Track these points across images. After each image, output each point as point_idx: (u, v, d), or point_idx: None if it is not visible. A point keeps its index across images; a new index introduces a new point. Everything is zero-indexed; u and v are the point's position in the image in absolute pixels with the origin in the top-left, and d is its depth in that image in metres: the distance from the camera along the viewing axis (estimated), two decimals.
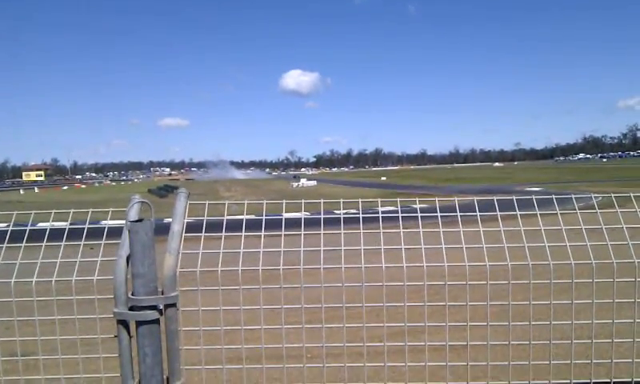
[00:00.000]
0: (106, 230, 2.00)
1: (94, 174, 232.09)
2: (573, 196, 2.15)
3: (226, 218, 1.99)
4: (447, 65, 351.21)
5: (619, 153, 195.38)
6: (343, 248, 1.95)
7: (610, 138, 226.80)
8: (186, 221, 1.87)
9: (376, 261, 1.96)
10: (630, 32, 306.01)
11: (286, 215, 2.07)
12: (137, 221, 1.79)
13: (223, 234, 1.94)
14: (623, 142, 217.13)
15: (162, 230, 1.85)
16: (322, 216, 1.94)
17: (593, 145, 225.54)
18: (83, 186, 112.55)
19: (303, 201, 1.98)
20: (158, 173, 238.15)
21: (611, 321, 1.95)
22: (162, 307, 1.80)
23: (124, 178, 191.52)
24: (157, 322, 1.81)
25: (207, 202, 1.99)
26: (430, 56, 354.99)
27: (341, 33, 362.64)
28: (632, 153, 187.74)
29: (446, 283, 1.90)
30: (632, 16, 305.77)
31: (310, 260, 2.01)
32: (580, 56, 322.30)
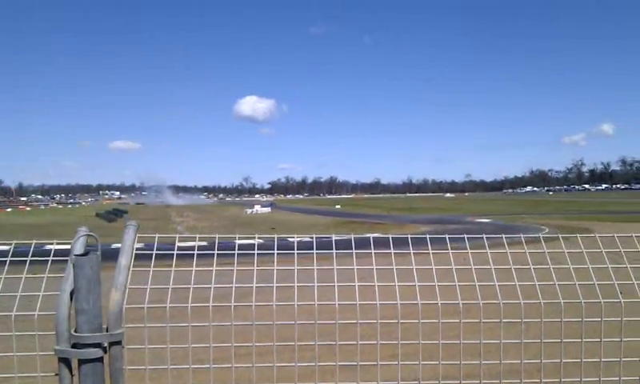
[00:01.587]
0: (49, 262, 1.92)
1: (39, 197, 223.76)
2: (522, 236, 2.20)
3: (176, 252, 1.95)
4: (401, 94, 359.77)
5: (565, 186, 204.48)
6: (296, 285, 1.93)
7: (556, 171, 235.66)
8: (134, 254, 1.82)
9: (326, 297, 1.95)
10: (577, 69, 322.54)
11: (236, 251, 2.05)
12: (82, 254, 1.73)
13: (173, 268, 1.90)
14: (569, 176, 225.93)
15: (110, 255, 1.79)
16: (276, 251, 1.92)
17: (540, 178, 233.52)
18: (28, 209, 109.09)
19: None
20: (107, 196, 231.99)
21: (559, 360, 1.99)
22: (106, 345, 1.73)
23: (71, 200, 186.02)
24: (101, 360, 1.74)
25: (157, 235, 1.95)
26: (384, 86, 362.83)
27: (296, 61, 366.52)
28: (577, 187, 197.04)
29: (398, 322, 1.91)
30: (579, 53, 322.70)
31: (264, 292, 1.98)
32: (527, 92, 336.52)
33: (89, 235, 1.79)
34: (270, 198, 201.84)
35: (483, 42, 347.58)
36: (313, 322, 1.90)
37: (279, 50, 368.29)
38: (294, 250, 2.09)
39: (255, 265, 1.97)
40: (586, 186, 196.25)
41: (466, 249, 2.14)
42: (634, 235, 2.17)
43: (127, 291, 1.76)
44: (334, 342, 1.91)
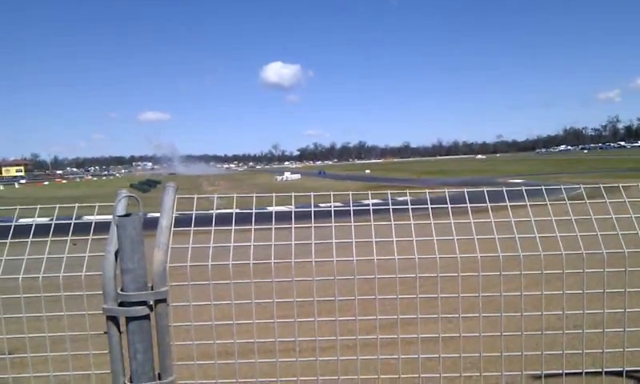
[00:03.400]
0: (93, 225, 1.96)
1: (74, 169, 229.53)
2: (562, 186, 2.14)
3: (215, 211, 1.97)
4: (430, 57, 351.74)
5: (600, 144, 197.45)
6: (334, 241, 1.93)
7: (591, 129, 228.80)
8: (174, 215, 1.84)
9: (365, 254, 1.95)
10: (609, 24, 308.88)
11: (274, 208, 2.05)
12: (125, 215, 1.75)
13: (213, 227, 1.92)
14: (603, 133, 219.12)
15: (147, 224, 1.82)
16: (313, 209, 1.92)
17: (573, 136, 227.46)
18: (64, 181, 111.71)
19: (293, 194, 1.96)
20: (140, 167, 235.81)
21: (601, 311, 1.97)
22: (152, 303, 1.77)
23: (105, 173, 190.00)
24: (147, 317, 1.78)
25: (196, 196, 1.96)
26: (412, 48, 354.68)
27: (321, 25, 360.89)
28: (612, 144, 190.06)
29: (437, 275, 1.90)
30: (611, 9, 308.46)
31: (300, 253, 1.99)
32: (560, 48, 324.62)
33: (130, 196, 1.81)
34: (298, 165, 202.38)
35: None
36: (352, 277, 1.90)
37: (303, 13, 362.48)
38: (325, 211, 2.09)
39: (293, 222, 1.97)
40: (622, 143, 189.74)
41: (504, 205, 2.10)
42: None
43: (169, 251, 1.79)
44: (373, 297, 1.92)
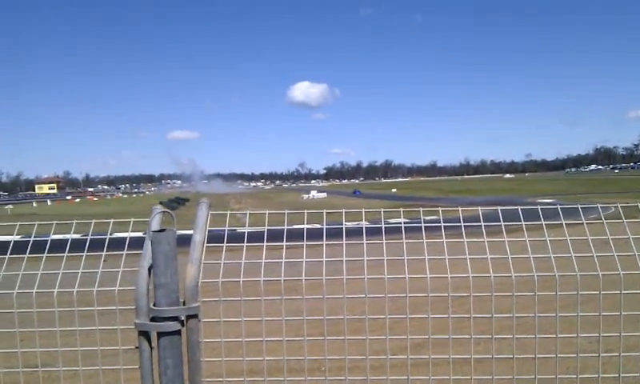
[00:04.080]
0: (127, 240, 1.99)
1: (105, 187, 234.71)
2: (599, 205, 2.10)
3: (247, 229, 1.98)
4: (456, 74, 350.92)
5: (631, 164, 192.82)
6: (366, 259, 1.92)
7: (622, 148, 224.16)
8: (207, 231, 1.86)
9: (395, 273, 1.94)
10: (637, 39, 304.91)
11: (305, 226, 2.06)
12: (159, 231, 1.78)
13: (245, 244, 1.93)
14: (635, 152, 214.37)
15: (178, 241, 1.84)
16: (345, 226, 1.92)
17: (604, 156, 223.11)
18: (96, 199, 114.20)
19: (325, 211, 1.96)
20: (169, 185, 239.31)
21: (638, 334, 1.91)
22: (183, 318, 1.78)
23: (135, 190, 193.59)
24: (178, 333, 1.79)
25: (229, 212, 1.98)
26: (438, 66, 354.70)
27: (347, 44, 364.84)
28: None
29: (470, 295, 1.87)
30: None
31: (328, 271, 1.98)
32: (589, 66, 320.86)
33: (164, 212, 1.84)
34: (324, 184, 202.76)
35: (542, 13, 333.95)
36: (383, 295, 1.89)
37: (329, 33, 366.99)
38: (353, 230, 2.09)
39: (324, 239, 1.97)
40: None
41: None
42: None
43: (202, 266, 1.80)
44: (404, 316, 1.89)
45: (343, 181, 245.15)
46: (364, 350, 1.94)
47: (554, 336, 1.88)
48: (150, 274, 1.78)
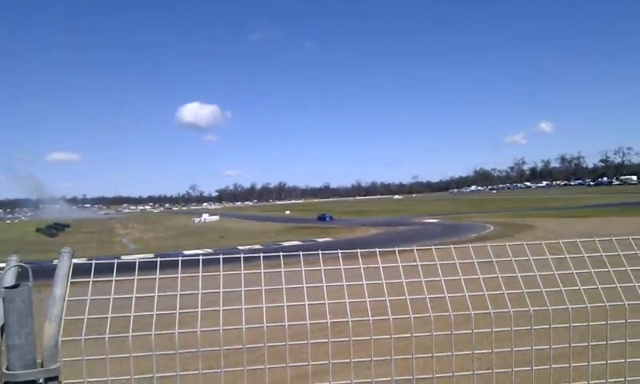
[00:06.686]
0: None
1: None
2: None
3: (114, 279, 1.85)
4: (347, 98, 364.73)
5: (507, 185, 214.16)
6: (243, 289, 1.88)
7: (499, 170, 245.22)
8: (69, 283, 1.71)
9: (280, 300, 1.91)
10: (515, 72, 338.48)
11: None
12: (13, 287, 1.61)
13: (112, 296, 1.80)
14: (510, 174, 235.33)
15: (48, 272, 1.66)
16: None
17: (483, 177, 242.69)
18: None
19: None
20: (46, 209, 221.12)
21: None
22: (42, 381, 1.62)
23: (9, 216, 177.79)
24: None
25: (94, 261, 1.83)
26: (328, 90, 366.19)
27: (237, 67, 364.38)
28: (519, 184, 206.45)
29: (349, 320, 1.88)
30: (515, 59, 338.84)
31: (207, 302, 1.89)
32: (470, 94, 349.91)
33: (19, 266, 1.67)
34: (217, 206, 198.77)
35: (422, 41, 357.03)
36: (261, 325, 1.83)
37: (219, 55, 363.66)
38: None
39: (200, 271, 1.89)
40: (528, 183, 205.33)
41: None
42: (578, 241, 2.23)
43: (62, 323, 1.65)
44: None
45: (237, 203, 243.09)
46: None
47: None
48: (2, 333, 1.60)
